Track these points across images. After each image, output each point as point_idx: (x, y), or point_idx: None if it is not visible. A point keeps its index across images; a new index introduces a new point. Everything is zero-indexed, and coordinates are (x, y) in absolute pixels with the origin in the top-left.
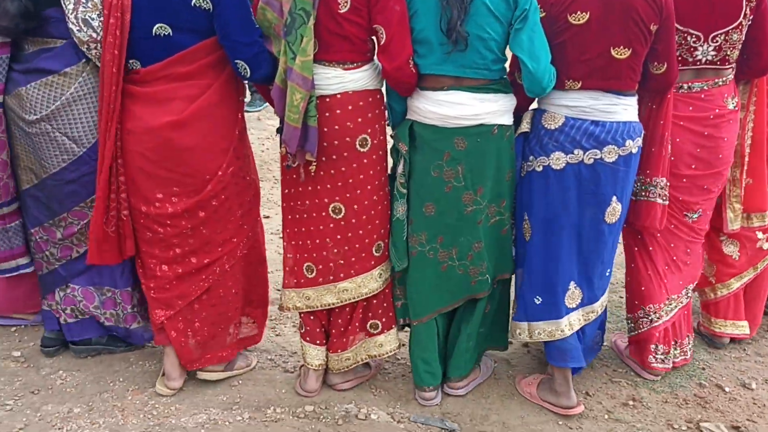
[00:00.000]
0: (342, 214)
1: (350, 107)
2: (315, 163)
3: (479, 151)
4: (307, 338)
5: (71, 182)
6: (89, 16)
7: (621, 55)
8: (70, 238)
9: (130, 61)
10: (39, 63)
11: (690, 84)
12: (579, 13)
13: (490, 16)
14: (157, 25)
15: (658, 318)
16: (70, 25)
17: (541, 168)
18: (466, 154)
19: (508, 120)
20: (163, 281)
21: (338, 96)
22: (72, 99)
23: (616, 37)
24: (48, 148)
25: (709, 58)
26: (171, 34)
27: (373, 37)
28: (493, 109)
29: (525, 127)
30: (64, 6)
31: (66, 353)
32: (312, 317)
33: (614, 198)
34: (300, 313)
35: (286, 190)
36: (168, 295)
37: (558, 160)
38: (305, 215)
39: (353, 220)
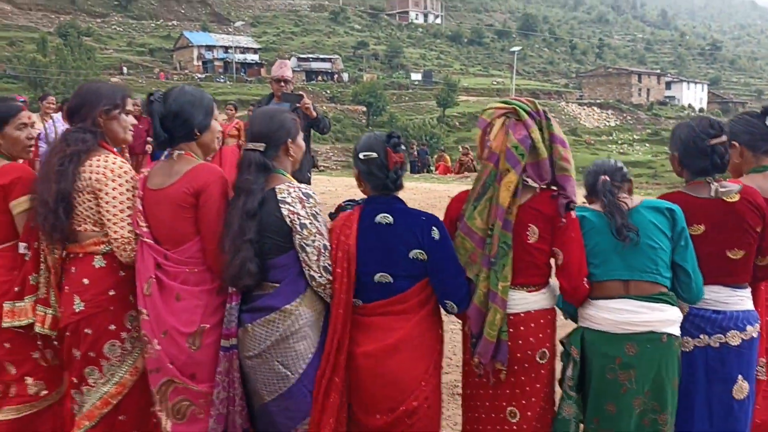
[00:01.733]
0: (517, 418)
1: (533, 324)
2: (505, 372)
3: (649, 357)
4: None
5: (286, 409)
6: (327, 263)
7: (736, 255)
8: None
9: (354, 300)
10: (263, 301)
11: None
12: (695, 225)
13: (656, 229)
14: (379, 274)
15: None
16: (312, 273)
17: None
18: (638, 360)
19: (676, 330)
20: None
21: (522, 315)
22: (288, 333)
23: (731, 242)
24: (265, 375)
25: None
26: (392, 281)
27: (552, 260)
28: (663, 318)
29: None
30: (307, 257)
31: None
32: None
33: (740, 377)
34: None
35: (468, 391)
36: None
37: (687, 343)
38: (484, 415)
39: (524, 426)
